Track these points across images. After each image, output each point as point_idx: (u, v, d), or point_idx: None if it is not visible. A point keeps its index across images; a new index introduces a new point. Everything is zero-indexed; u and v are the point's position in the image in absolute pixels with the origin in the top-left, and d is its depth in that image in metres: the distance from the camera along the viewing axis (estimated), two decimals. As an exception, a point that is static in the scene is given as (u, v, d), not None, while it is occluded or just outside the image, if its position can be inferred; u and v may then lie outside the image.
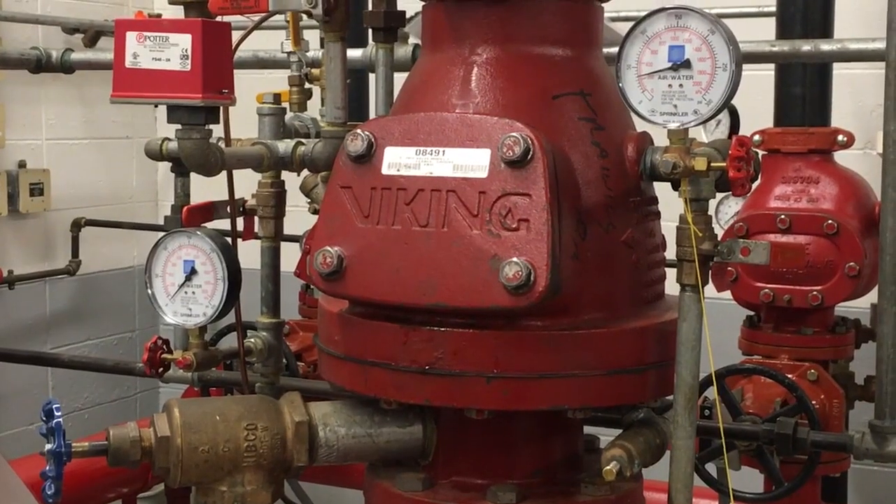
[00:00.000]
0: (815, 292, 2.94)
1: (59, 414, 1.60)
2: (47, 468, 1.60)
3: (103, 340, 5.15)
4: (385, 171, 1.67)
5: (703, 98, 1.58)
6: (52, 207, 4.82)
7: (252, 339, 2.03)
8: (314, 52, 2.63)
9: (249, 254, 2.11)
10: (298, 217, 2.40)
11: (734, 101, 3.15)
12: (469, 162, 1.62)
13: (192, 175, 2.16)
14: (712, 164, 1.58)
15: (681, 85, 1.59)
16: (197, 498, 1.72)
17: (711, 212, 1.66)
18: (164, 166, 4.93)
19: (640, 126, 1.74)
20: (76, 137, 5.01)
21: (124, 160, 5.23)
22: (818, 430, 2.69)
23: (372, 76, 2.71)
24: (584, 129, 1.71)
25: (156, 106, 1.74)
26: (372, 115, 2.33)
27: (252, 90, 2.27)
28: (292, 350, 3.47)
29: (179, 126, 1.68)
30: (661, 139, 1.70)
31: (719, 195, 3.42)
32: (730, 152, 1.55)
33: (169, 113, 1.70)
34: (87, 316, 5.08)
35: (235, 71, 1.75)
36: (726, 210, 3.45)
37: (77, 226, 4.93)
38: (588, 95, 1.73)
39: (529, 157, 1.58)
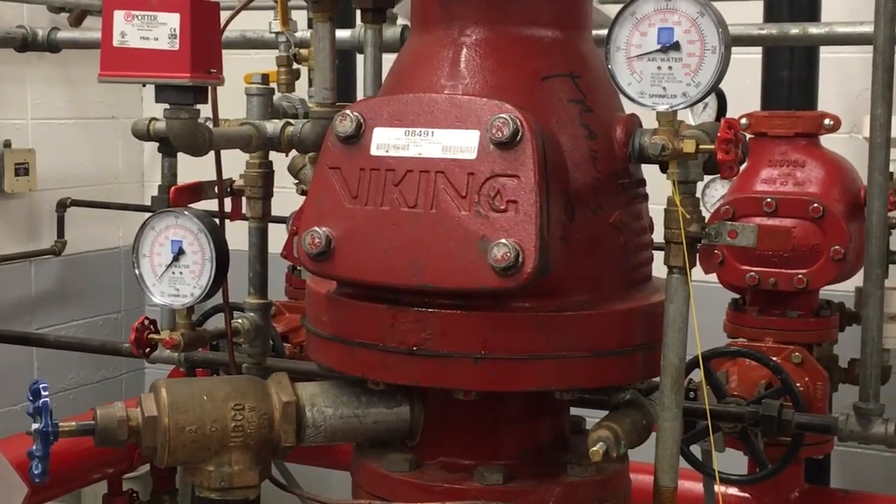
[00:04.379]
0: (800, 275, 2.96)
1: (46, 394, 1.60)
2: (34, 448, 1.60)
3: (89, 321, 5.14)
4: (374, 151, 1.67)
5: (692, 80, 1.58)
6: (37, 188, 4.80)
7: (239, 320, 2.03)
8: (302, 32, 2.62)
9: (237, 235, 2.11)
10: (286, 198, 2.40)
11: (721, 85, 3.16)
12: (458, 143, 1.62)
13: (179, 155, 2.16)
14: (701, 147, 1.58)
15: (670, 67, 1.59)
16: (184, 478, 1.72)
17: (699, 195, 1.67)
18: (151, 146, 4.92)
19: (628, 108, 1.74)
20: (62, 117, 4.99)
21: (110, 140, 5.21)
22: (802, 413, 2.70)
23: (360, 57, 2.71)
24: (573, 110, 1.71)
25: (143, 85, 1.73)
26: (360, 96, 2.32)
27: (240, 71, 2.26)
28: (279, 331, 3.47)
29: (167, 106, 1.68)
30: (650, 122, 1.70)
31: (706, 178, 3.43)
32: (718, 135, 1.56)
33: (157, 92, 1.69)
34: (73, 296, 5.07)
35: (224, 51, 1.74)
36: (713, 193, 3.46)
37: (63, 206, 4.91)
38: (577, 77, 1.73)
39: (518, 138, 1.58)
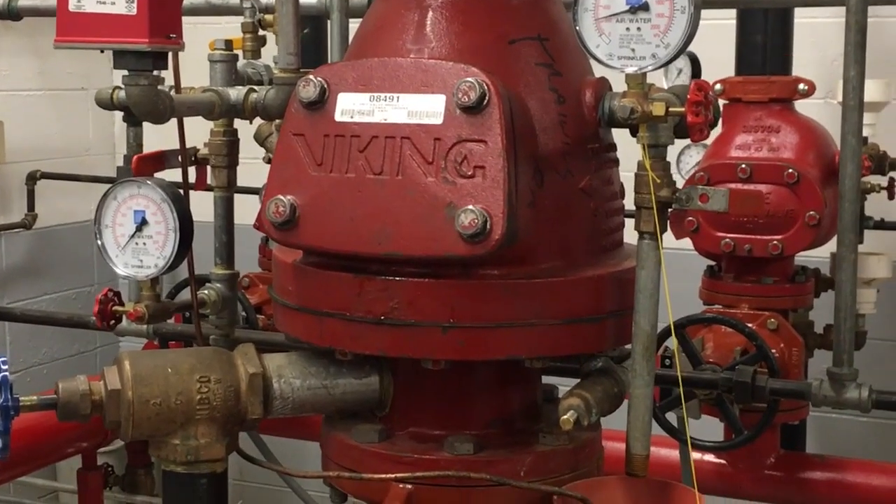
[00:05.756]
0: (775, 241, 2.95)
1: (6, 367, 1.56)
2: (-6, 423, 1.57)
3: (61, 294, 5.08)
4: (338, 117, 1.63)
5: (662, 42, 1.55)
6: (6, 160, 4.73)
7: (206, 291, 2.00)
8: (268, -2, 2.57)
9: (204, 206, 2.07)
10: (255, 168, 2.36)
11: (695, 50, 3.12)
12: (424, 108, 1.59)
13: (148, 126, 2.11)
14: (670, 109, 1.55)
15: (639, 28, 1.56)
16: (150, 451, 1.69)
17: (671, 160, 1.65)
18: (122, 118, 4.85)
19: (598, 71, 1.71)
20: (31, 89, 4.91)
21: (80, 112, 5.14)
22: (777, 379, 2.70)
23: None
24: (541, 74, 1.68)
25: (102, 51, 1.69)
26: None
27: (209, 41, 2.21)
28: (252, 303, 3.43)
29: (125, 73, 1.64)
30: (621, 86, 1.67)
31: (680, 145, 3.41)
32: (688, 97, 1.53)
33: (115, 58, 1.65)
34: (45, 270, 5.01)
35: (192, 20, 1.70)
36: (687, 160, 3.44)
37: (32, 179, 4.84)
38: (545, 40, 1.70)
39: (485, 102, 1.55)
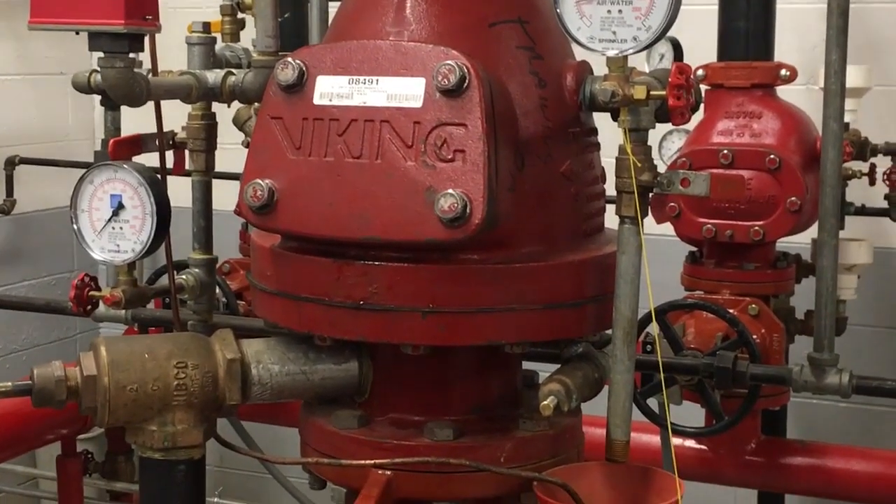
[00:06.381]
0: (756, 227, 2.94)
1: (-20, 353, 1.55)
2: (-32, 409, 1.55)
3: (40, 281, 5.05)
4: (317, 101, 1.62)
5: (643, 24, 1.54)
6: (-16, 145, 4.70)
7: (184, 276, 1.98)
8: (248, -20, 2.54)
9: (182, 192, 2.05)
10: (234, 154, 2.34)
11: (677, 36, 3.11)
12: (403, 91, 1.57)
13: (127, 112, 2.09)
14: (652, 93, 1.54)
15: (620, 11, 1.55)
16: (127, 438, 1.68)
17: (653, 145, 1.64)
18: (100, 102, 4.81)
19: (579, 55, 1.70)
20: (8, 73, 4.87)
21: (59, 97, 5.09)
22: (757, 364, 2.70)
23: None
24: (521, 57, 1.67)
25: (77, 33, 1.67)
26: (309, 45, 2.26)
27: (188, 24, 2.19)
28: (232, 289, 3.41)
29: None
30: (602, 71, 1.66)
31: (662, 131, 3.40)
32: (669, 80, 1.52)
33: (90, 40, 1.63)
34: (24, 256, 4.97)
35: (171, 3, 1.68)
36: (669, 146, 3.44)
37: (11, 164, 4.80)
38: (526, 23, 1.68)
39: (465, 85, 1.53)
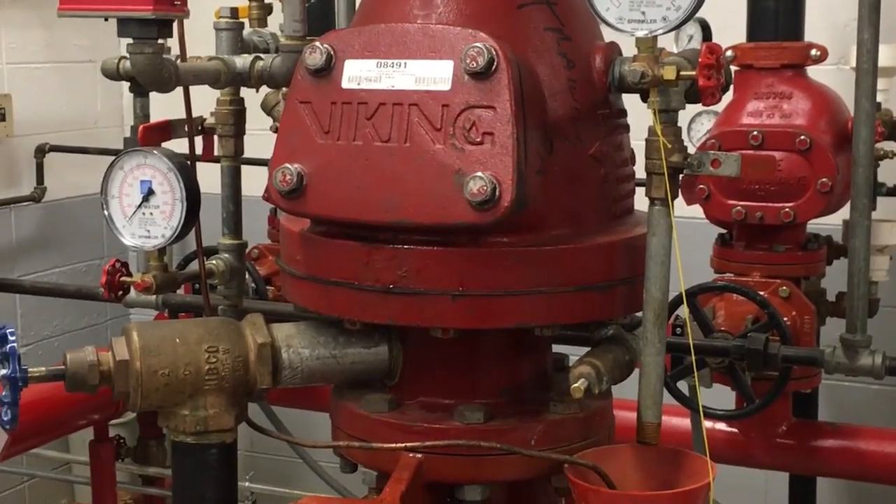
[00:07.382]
0: (787, 209, 2.92)
1: (14, 339, 1.56)
2: (3, 394, 1.56)
3: (72, 267, 5.08)
4: (345, 84, 1.62)
5: (672, 4, 1.53)
6: (14, 133, 4.72)
7: (213, 261, 1.99)
8: (275, -34, 2.54)
9: (212, 178, 2.06)
10: (263, 140, 2.34)
11: (706, 17, 3.08)
12: (431, 74, 1.57)
13: (156, 97, 2.10)
14: (682, 73, 1.53)
15: (649, -10, 1.54)
16: (159, 422, 1.69)
17: (682, 127, 1.62)
18: (129, 89, 4.83)
19: (608, 36, 1.69)
20: (38, 61, 4.89)
21: (88, 84, 5.12)
22: (789, 346, 2.68)
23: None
24: (550, 39, 1.66)
25: (106, 19, 1.67)
26: (336, 30, 2.25)
27: (215, 10, 2.19)
28: (262, 274, 3.43)
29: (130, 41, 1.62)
30: (631, 52, 1.65)
31: (691, 112, 3.38)
32: (699, 60, 1.51)
33: (119, 27, 1.64)
34: (55, 243, 5.01)
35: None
36: (698, 128, 3.41)
37: (41, 152, 4.83)
38: (554, 4, 1.68)
39: (493, 68, 1.53)
